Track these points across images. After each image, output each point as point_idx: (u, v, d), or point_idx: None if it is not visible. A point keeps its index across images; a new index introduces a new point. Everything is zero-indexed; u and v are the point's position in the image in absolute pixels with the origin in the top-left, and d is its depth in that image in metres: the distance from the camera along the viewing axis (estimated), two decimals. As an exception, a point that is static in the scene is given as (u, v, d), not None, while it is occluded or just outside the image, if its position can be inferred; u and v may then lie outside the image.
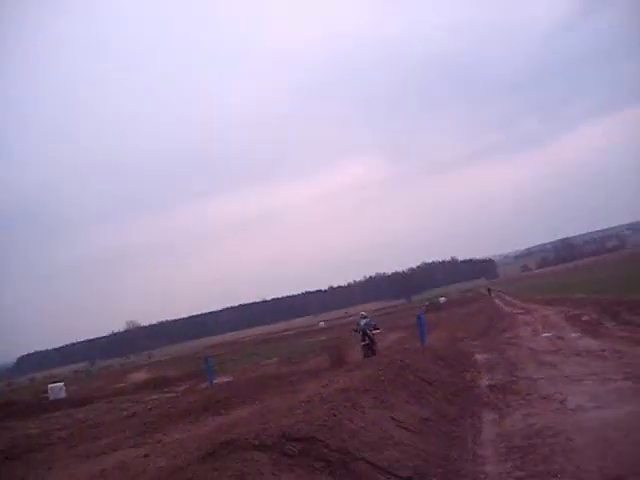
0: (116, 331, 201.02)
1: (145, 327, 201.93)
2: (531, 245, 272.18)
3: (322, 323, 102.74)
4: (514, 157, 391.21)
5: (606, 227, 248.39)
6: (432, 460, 7.71)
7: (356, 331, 23.58)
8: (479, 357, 18.73)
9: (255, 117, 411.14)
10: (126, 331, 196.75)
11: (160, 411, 17.17)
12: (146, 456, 8.82)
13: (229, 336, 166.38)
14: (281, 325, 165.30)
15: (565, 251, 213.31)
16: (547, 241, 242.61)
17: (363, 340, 22.93)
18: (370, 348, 22.57)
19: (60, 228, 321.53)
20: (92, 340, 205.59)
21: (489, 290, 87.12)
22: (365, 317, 24.10)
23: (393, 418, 9.15)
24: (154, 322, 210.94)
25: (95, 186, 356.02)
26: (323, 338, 56.91)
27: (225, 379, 30.60)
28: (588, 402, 10.05)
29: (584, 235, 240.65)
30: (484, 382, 13.93)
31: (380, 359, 15.72)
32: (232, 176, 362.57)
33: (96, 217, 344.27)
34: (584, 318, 24.88)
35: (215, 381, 28.65)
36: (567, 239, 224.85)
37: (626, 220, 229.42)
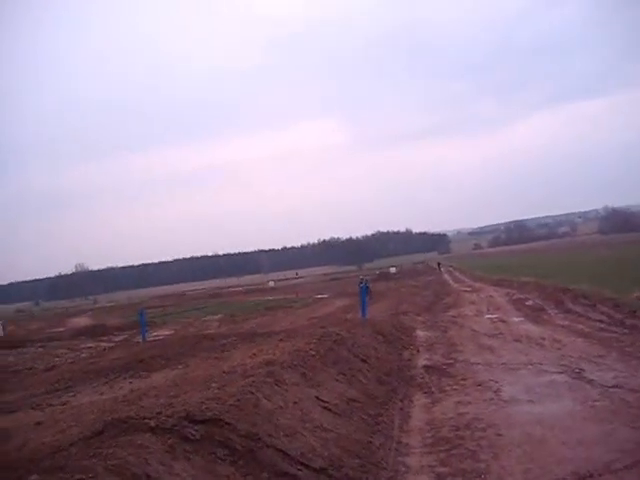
0: (64, 273, 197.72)
1: (94, 271, 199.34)
2: (485, 224, 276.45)
3: (272, 283, 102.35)
4: (476, 136, 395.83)
5: (560, 213, 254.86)
6: (352, 448, 7.17)
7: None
8: (420, 334, 18.42)
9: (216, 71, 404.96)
10: (74, 274, 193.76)
11: (80, 366, 16.50)
12: (38, 424, 8.07)
13: (178, 287, 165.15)
14: (231, 281, 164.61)
15: (517, 233, 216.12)
16: (501, 221, 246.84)
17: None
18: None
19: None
20: (39, 280, 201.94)
21: (439, 264, 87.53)
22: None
23: (318, 398, 8.59)
24: (103, 267, 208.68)
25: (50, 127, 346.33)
26: (270, 298, 56.86)
27: (166, 332, 30.58)
28: (522, 394, 9.75)
29: (538, 219, 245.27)
30: (421, 362, 13.57)
31: (315, 330, 15.12)
32: (197, 129, 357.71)
33: (52, 153, 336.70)
34: (528, 303, 24.84)
35: (155, 333, 28.95)
36: (520, 221, 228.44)
37: (578, 208, 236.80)
